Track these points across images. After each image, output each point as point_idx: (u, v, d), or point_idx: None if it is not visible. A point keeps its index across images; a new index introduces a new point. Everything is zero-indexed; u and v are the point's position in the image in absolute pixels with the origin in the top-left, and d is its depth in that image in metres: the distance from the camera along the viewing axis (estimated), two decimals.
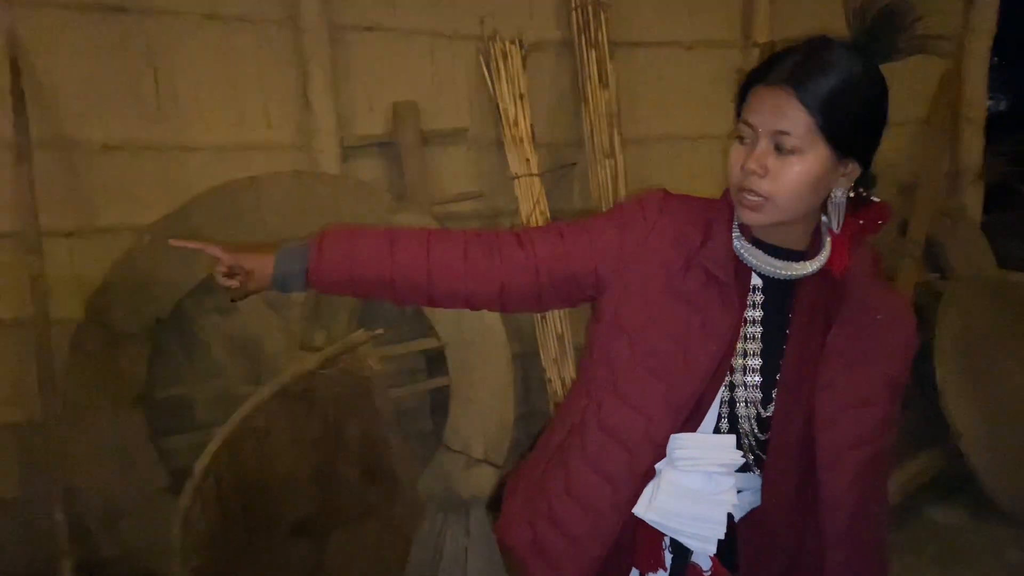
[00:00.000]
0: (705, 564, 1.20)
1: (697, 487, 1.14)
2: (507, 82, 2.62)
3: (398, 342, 2.55)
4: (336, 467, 2.37)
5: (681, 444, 1.14)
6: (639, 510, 1.16)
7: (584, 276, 1.23)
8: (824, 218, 1.13)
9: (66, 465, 2.12)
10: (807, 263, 1.13)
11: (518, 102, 2.62)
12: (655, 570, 1.21)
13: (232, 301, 1.33)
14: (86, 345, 2.24)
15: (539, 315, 2.59)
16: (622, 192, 2.70)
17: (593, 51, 2.66)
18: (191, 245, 1.26)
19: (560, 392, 2.57)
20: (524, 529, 1.28)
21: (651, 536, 1.19)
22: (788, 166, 1.04)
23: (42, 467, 2.09)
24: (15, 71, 2.06)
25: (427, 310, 2.48)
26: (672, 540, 1.20)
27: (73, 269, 2.30)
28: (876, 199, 1.14)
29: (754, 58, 3.07)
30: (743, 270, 1.16)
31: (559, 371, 2.58)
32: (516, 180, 2.63)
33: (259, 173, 2.35)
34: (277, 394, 2.13)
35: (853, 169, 1.09)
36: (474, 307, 1.28)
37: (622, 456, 1.17)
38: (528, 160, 2.62)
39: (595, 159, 2.71)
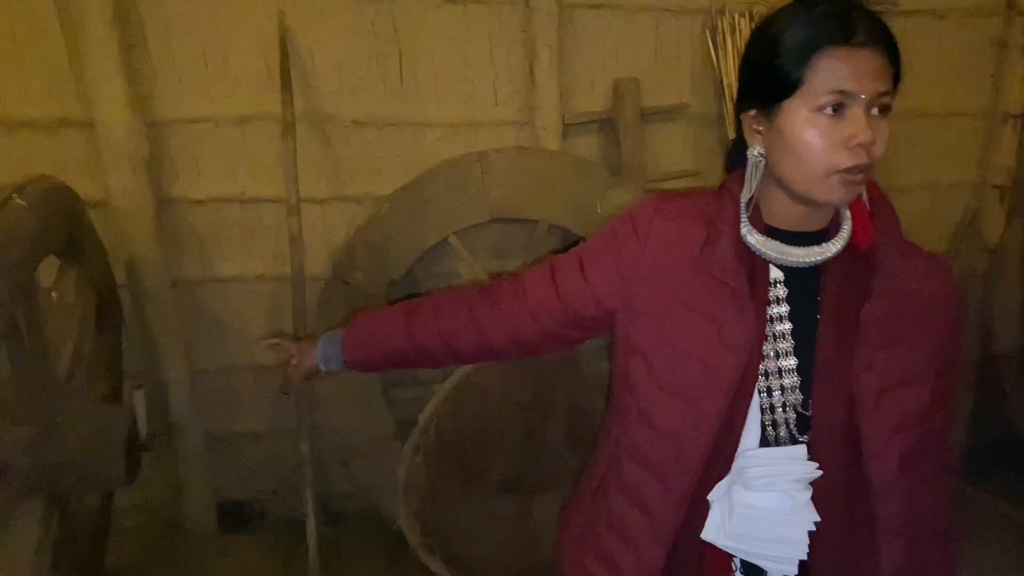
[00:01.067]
0: None
1: (774, 507, 1.05)
2: (734, 56, 2.56)
3: None
4: (544, 432, 2.48)
5: (751, 462, 1.06)
6: (709, 535, 1.09)
7: (586, 311, 1.17)
8: None
9: (312, 407, 2.38)
10: (830, 244, 1.04)
11: None
12: None
13: (283, 393, 1.60)
14: (331, 301, 2.50)
15: None
16: None
17: None
18: (273, 342, 1.50)
19: None
20: (576, 566, 1.25)
21: (720, 560, 1.11)
22: (883, 129, 0.96)
23: (292, 407, 2.37)
24: (284, 53, 2.32)
25: None
26: (743, 560, 1.11)
27: (324, 232, 2.56)
28: None
29: (1018, 28, 2.76)
30: (760, 266, 1.06)
31: None
32: None
33: (486, 148, 2.48)
34: None
35: None
36: (503, 358, 1.29)
37: (656, 485, 1.10)
38: None
39: None
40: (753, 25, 2.53)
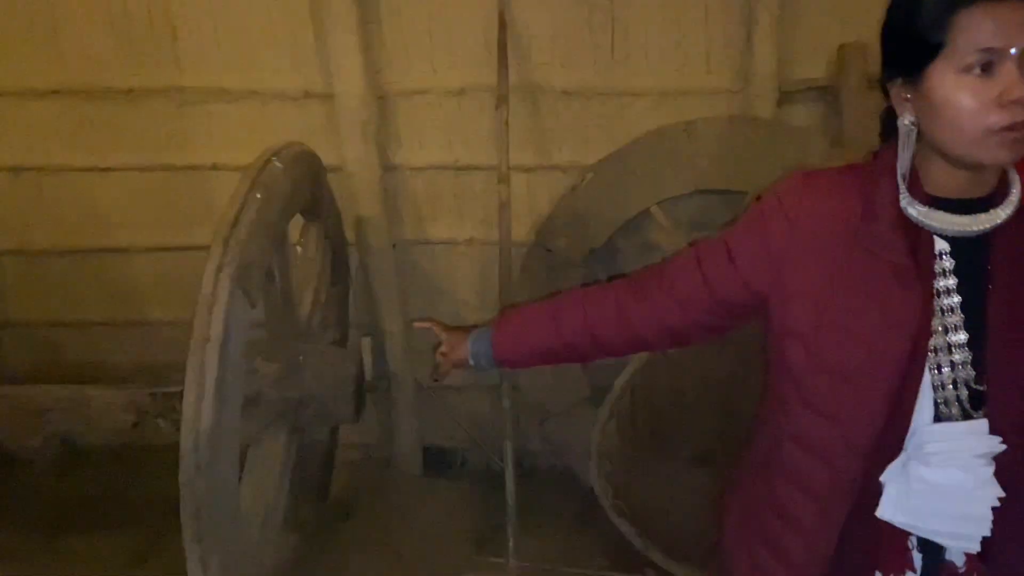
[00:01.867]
0: (959, 560, 1.06)
1: (955, 482, 1.00)
2: None
3: None
4: (740, 407, 2.45)
5: (930, 437, 1.01)
6: (885, 513, 1.04)
7: (736, 297, 1.15)
8: None
9: None
10: (998, 210, 0.98)
11: None
12: (902, 572, 1.07)
13: (435, 381, 1.59)
14: (533, 266, 2.61)
15: None
16: None
17: None
18: (425, 325, 1.55)
19: None
20: (743, 553, 1.21)
21: (896, 537, 1.06)
22: None
23: None
24: (502, 25, 2.43)
25: None
26: (920, 538, 1.06)
27: (529, 200, 2.67)
28: None
29: None
30: (924, 238, 1.00)
31: None
32: None
33: (696, 117, 2.46)
34: None
35: None
36: (655, 348, 1.37)
37: (824, 471, 1.07)
38: None
39: None
40: None
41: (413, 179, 2.68)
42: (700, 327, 1.25)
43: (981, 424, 1.01)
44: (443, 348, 1.49)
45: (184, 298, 2.77)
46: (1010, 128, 0.90)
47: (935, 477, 1.01)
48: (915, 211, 1.00)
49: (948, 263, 1.01)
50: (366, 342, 2.18)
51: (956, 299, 1.01)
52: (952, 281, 1.01)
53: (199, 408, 1.53)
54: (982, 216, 0.99)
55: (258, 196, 1.73)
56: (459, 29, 2.49)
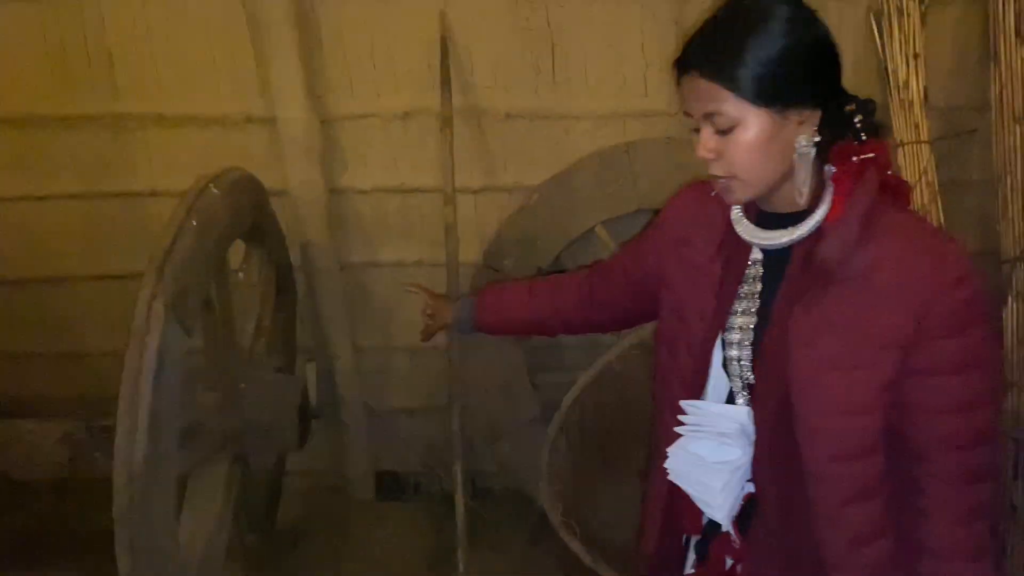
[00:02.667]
0: (736, 539, 1.16)
1: (703, 453, 1.13)
2: (900, 41, 2.43)
3: None
4: None
5: (689, 410, 1.15)
6: (670, 474, 1.19)
7: (638, 280, 1.37)
8: (827, 167, 1.06)
9: (463, 388, 2.51)
10: (798, 227, 1.06)
11: (911, 62, 2.42)
12: (690, 532, 1.23)
13: (423, 340, 1.82)
14: (481, 286, 2.61)
15: None
16: None
17: (1012, 4, 2.34)
18: (414, 289, 1.81)
19: None
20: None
21: (686, 502, 1.19)
22: (733, 143, 1.00)
23: (444, 387, 2.50)
24: (444, 51, 2.45)
25: None
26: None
27: (476, 221, 2.68)
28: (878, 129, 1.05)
29: None
30: (744, 247, 1.13)
31: None
32: (901, 148, 2.44)
33: (636, 139, 2.50)
34: (636, 345, 2.28)
35: (809, 115, 1.01)
36: (605, 330, 1.64)
37: (666, 425, 1.21)
38: (918, 126, 2.42)
39: (1002, 124, 2.39)
40: (923, 8, 2.40)
41: (359, 202, 2.68)
42: (634, 312, 1.46)
43: (733, 409, 1.12)
44: (429, 311, 1.73)
45: (123, 327, 2.70)
46: (715, 178, 1.06)
47: (688, 445, 1.15)
48: (736, 223, 1.13)
49: (757, 270, 1.13)
50: (311, 367, 2.16)
51: (755, 304, 1.12)
52: (758, 287, 1.12)
53: (132, 440, 1.50)
54: (782, 231, 1.07)
55: (194, 223, 1.71)
56: (402, 54, 2.51)
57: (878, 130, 1.07)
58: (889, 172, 1.05)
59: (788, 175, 1.04)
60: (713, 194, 1.10)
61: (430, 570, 2.55)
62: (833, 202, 1.04)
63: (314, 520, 2.77)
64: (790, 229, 1.06)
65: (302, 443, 2.09)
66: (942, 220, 2.41)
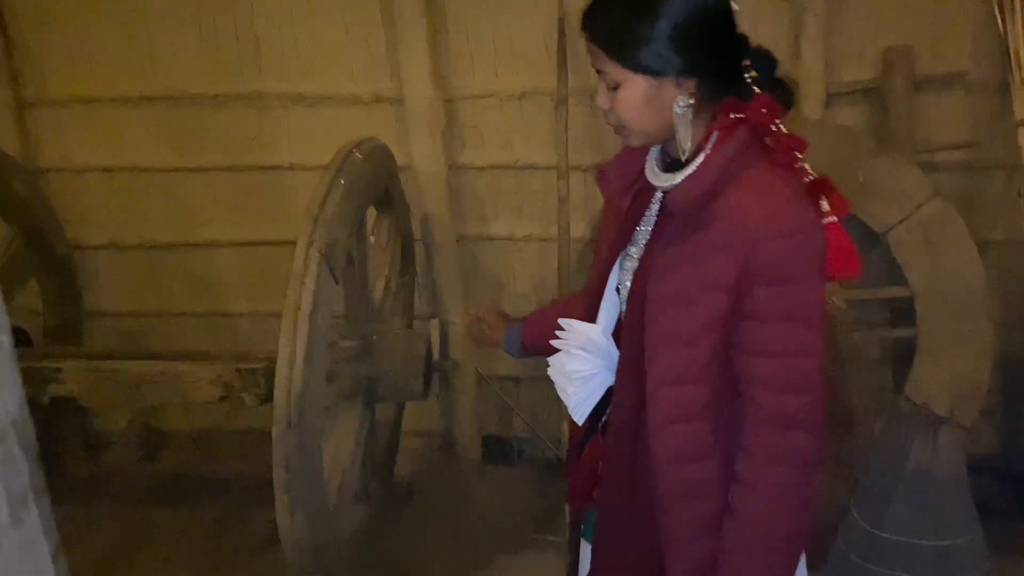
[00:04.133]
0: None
1: (564, 364, 1.28)
2: (1021, 20, 2.41)
3: (865, 288, 2.57)
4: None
5: (564, 326, 1.29)
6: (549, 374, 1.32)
7: None
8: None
9: None
10: (678, 173, 1.14)
11: None
12: (574, 436, 1.36)
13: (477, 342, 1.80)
14: (589, 260, 2.73)
15: None
16: None
17: None
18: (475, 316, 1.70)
19: None
20: None
21: None
22: (618, 99, 1.12)
23: None
24: (561, 33, 2.58)
25: (900, 256, 2.46)
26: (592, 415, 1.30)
27: (586, 198, 2.80)
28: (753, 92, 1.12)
29: None
30: (648, 186, 1.22)
31: None
32: (1021, 128, 2.42)
33: None
34: None
35: (685, 81, 1.09)
36: None
37: None
38: None
39: None
40: None
41: (476, 178, 2.84)
42: None
43: (591, 326, 1.27)
44: (484, 325, 1.69)
45: (262, 291, 2.97)
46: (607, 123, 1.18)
47: (560, 358, 1.29)
48: (647, 165, 1.23)
49: (655, 208, 1.23)
50: (435, 323, 2.33)
51: (645, 237, 1.23)
52: (649, 227, 1.23)
53: (291, 370, 1.69)
54: (668, 175, 1.17)
55: (341, 183, 1.90)
56: (521, 36, 2.65)
57: (779, 85, 1.15)
58: (774, 128, 1.12)
59: (672, 129, 1.13)
60: (618, 134, 1.24)
61: (537, 530, 2.67)
62: (706, 155, 1.12)
63: (426, 477, 2.94)
64: (672, 174, 1.16)
65: (426, 393, 2.26)
66: None
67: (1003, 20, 2.45)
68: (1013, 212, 2.54)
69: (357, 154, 2.00)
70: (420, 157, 2.73)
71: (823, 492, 2.07)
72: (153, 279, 3.04)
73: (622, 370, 1.22)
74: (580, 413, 1.28)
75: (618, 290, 1.27)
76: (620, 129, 1.17)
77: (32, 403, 2.32)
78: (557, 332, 1.30)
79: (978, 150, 2.60)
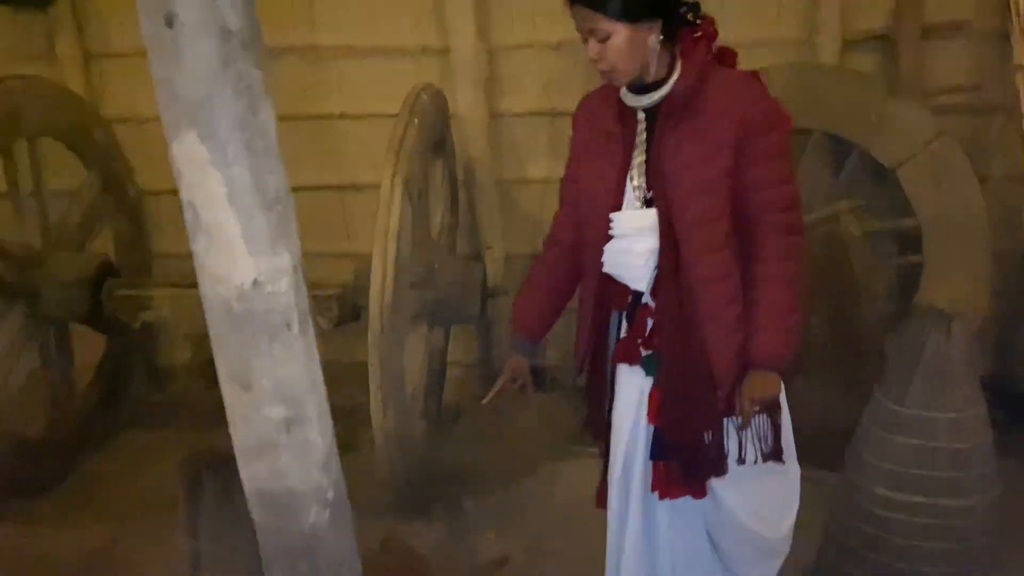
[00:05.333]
0: (652, 303, 1.61)
1: (625, 246, 1.59)
2: None
3: (875, 218, 2.81)
4: (809, 317, 2.78)
5: (615, 218, 1.59)
6: (605, 267, 1.62)
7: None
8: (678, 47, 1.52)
9: None
10: (657, 92, 1.52)
11: None
12: (620, 309, 1.66)
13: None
14: None
15: None
16: None
17: None
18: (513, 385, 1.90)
19: None
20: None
21: (619, 285, 1.63)
22: (609, 48, 1.47)
23: None
24: None
25: (909, 190, 2.69)
26: (632, 293, 1.62)
27: None
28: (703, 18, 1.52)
29: None
30: (630, 111, 1.58)
31: None
32: (1020, 72, 2.64)
33: (766, 65, 2.78)
34: None
35: (655, 25, 1.47)
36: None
37: (593, 250, 1.64)
38: None
39: None
40: None
41: (515, 125, 3.05)
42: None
43: (643, 212, 1.57)
44: (511, 377, 1.90)
45: (315, 233, 3.18)
46: (599, 70, 1.52)
47: (616, 242, 1.60)
48: (624, 96, 1.58)
49: (642, 124, 1.58)
50: (489, 253, 2.54)
51: (644, 145, 1.57)
52: (644, 136, 1.57)
53: (383, 285, 1.93)
54: (650, 95, 1.54)
55: (416, 121, 2.11)
56: None
57: (704, 18, 1.54)
58: (716, 44, 1.54)
59: (647, 62, 1.51)
60: (602, 88, 1.60)
61: (575, 443, 2.94)
62: (681, 67, 1.53)
63: (468, 400, 3.20)
64: (659, 91, 1.54)
65: (482, 315, 2.50)
66: None
67: None
68: (1011, 150, 2.77)
69: (424, 96, 2.21)
70: (464, 105, 2.93)
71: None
72: None
73: (663, 239, 1.56)
74: (645, 283, 1.61)
75: (634, 190, 1.59)
76: (610, 73, 1.52)
77: (120, 329, 2.54)
78: (611, 225, 1.60)
79: (981, 93, 2.82)
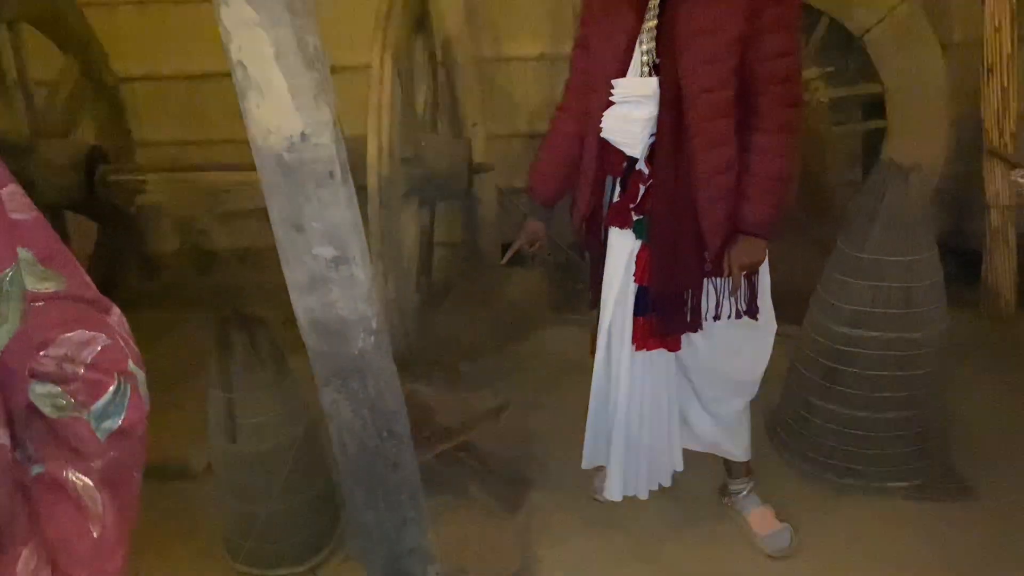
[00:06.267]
0: (646, 170, 1.68)
1: (624, 112, 1.64)
2: None
3: (843, 85, 2.92)
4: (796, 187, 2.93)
5: (617, 84, 1.64)
6: (603, 132, 1.68)
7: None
8: None
9: None
10: None
11: None
12: (615, 175, 1.74)
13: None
14: None
15: (987, 68, 2.74)
16: None
17: None
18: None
19: (996, 141, 2.76)
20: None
21: (614, 150, 1.70)
22: None
23: None
24: None
25: (875, 56, 2.80)
26: (627, 160, 1.70)
27: None
28: None
29: None
30: None
31: (998, 121, 2.75)
32: None
33: None
34: None
35: None
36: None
37: (593, 117, 1.70)
38: None
39: None
40: None
41: (491, 2, 3.06)
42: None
43: (646, 80, 1.61)
44: (529, 240, 2.01)
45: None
46: None
47: (616, 109, 1.66)
48: None
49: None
50: (475, 130, 2.62)
51: (655, 10, 1.60)
52: (656, 1, 1.59)
53: (380, 159, 2.02)
54: None
55: None
56: None
57: None
58: None
59: None
60: None
61: (553, 311, 3.13)
62: None
63: (455, 278, 3.35)
64: None
65: (469, 191, 2.60)
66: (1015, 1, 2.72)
67: None
68: (972, 15, 2.87)
69: None
70: None
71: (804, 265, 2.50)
72: (192, 108, 3.26)
73: (664, 107, 1.62)
74: (641, 149, 1.67)
75: (643, 55, 1.64)
76: None
77: (113, 217, 2.59)
78: (613, 90, 1.66)
79: None
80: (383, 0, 2.11)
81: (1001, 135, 2.76)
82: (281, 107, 0.94)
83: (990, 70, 2.76)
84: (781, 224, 1.68)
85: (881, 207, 1.82)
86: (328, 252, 0.99)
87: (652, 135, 1.66)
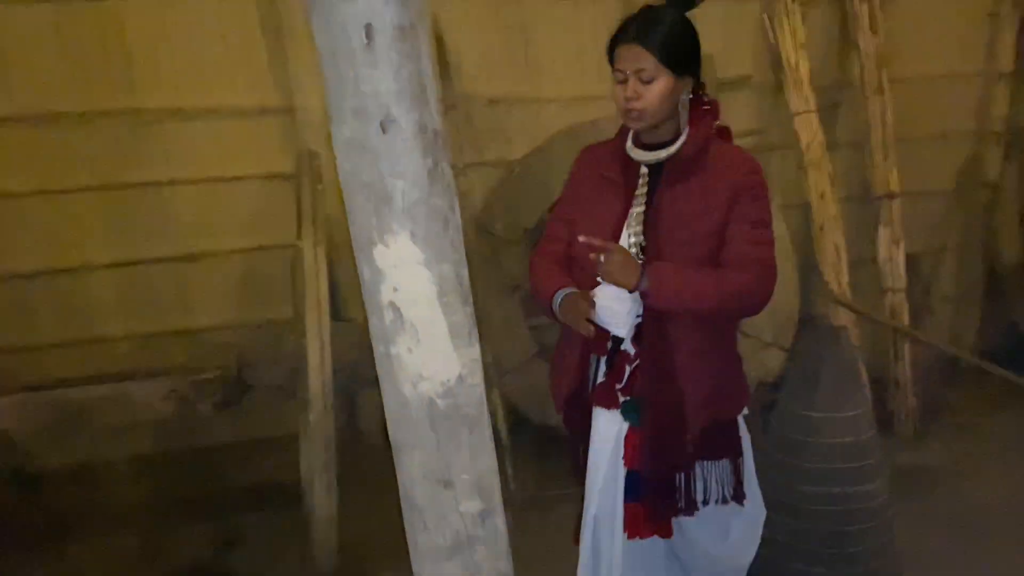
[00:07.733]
0: (631, 350, 1.72)
1: (609, 296, 1.67)
2: (789, 34, 3.17)
3: None
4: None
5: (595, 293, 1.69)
6: (594, 317, 1.69)
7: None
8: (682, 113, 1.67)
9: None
10: (664, 150, 1.67)
11: (798, 50, 3.17)
12: (600, 354, 1.75)
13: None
14: (480, 248, 3.05)
15: (819, 226, 3.14)
16: (890, 124, 3.20)
17: (865, 4, 3.15)
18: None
19: (837, 291, 3.12)
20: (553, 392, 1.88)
21: (602, 333, 1.70)
22: (649, 90, 1.60)
23: None
24: (439, 45, 2.87)
25: None
26: (612, 339, 1.72)
27: (465, 194, 3.11)
28: (710, 97, 1.71)
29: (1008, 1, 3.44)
30: (635, 165, 1.71)
31: (836, 275, 3.13)
32: (796, 117, 3.18)
33: (598, 117, 3.05)
34: None
35: (688, 82, 1.64)
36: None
37: (583, 273, 1.74)
38: (807, 99, 3.17)
39: (865, 97, 3.21)
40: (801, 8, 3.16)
41: None
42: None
43: (624, 296, 1.64)
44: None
45: (144, 311, 2.87)
46: (628, 112, 1.63)
47: (604, 291, 1.68)
48: (630, 150, 1.71)
49: (644, 178, 1.70)
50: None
51: (643, 197, 1.69)
52: (644, 189, 1.69)
53: (322, 359, 1.83)
54: (661, 151, 1.67)
55: (320, 186, 2.04)
56: None
57: (712, 99, 1.73)
58: (718, 121, 1.70)
59: (671, 115, 1.65)
60: (606, 142, 1.76)
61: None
62: (689, 133, 1.67)
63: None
64: (667, 149, 1.67)
65: None
66: (831, 171, 3.17)
67: (774, 35, 3.19)
68: (793, 183, 3.30)
69: (318, 159, 2.14)
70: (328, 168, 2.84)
71: None
72: (18, 310, 2.79)
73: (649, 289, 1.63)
74: (626, 330, 1.68)
75: (631, 237, 1.67)
76: (640, 113, 1.61)
77: None
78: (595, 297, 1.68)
79: (763, 136, 3.34)
80: (303, 191, 1.99)
81: (840, 285, 3.14)
82: (439, 349, 0.80)
83: (821, 228, 3.17)
84: (660, 298, 1.62)
85: (824, 367, 1.96)
86: (475, 506, 0.83)
87: (639, 316, 1.67)
